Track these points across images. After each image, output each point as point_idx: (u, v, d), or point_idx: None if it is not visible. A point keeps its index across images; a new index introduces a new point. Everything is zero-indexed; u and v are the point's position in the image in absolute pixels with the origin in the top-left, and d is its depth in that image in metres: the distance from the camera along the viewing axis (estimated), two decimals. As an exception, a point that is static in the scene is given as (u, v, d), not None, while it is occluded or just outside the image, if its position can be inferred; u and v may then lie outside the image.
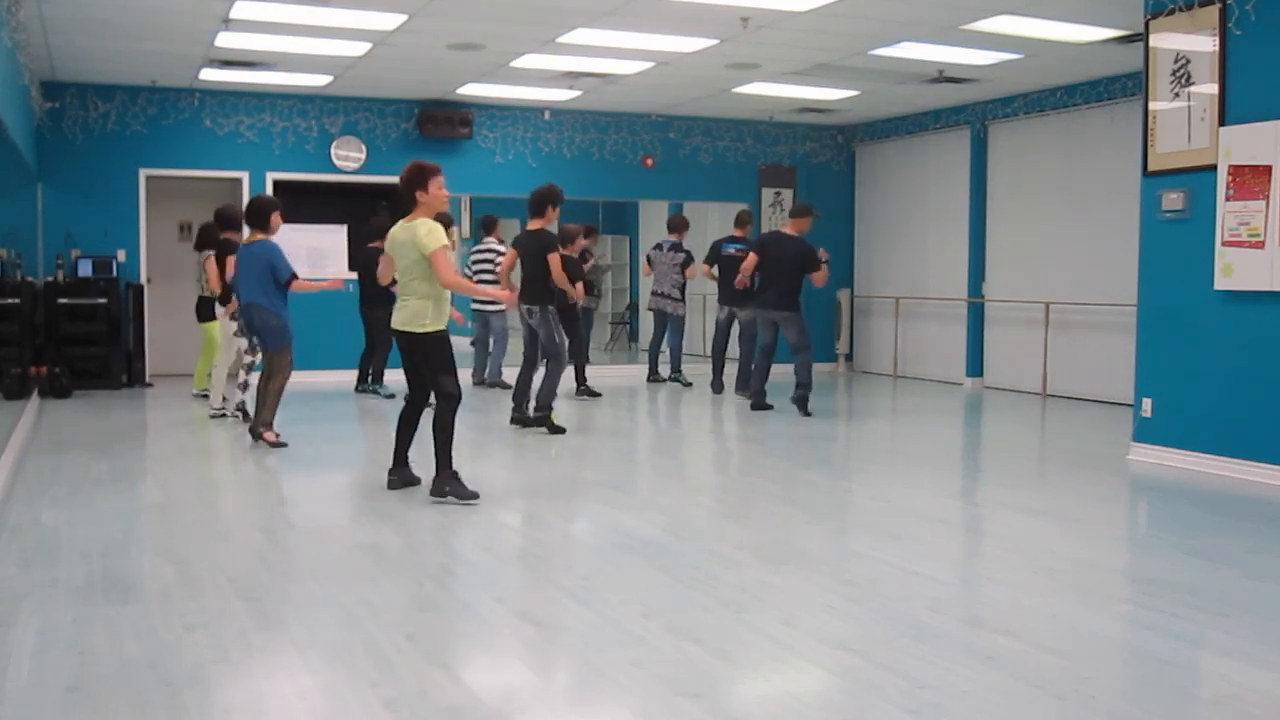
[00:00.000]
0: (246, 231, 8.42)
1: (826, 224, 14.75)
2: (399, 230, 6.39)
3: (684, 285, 12.29)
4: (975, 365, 13.34)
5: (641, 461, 8.50)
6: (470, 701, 3.48)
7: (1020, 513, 6.47)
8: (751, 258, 10.43)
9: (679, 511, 6.54)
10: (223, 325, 9.77)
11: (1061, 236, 12.16)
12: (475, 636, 4.22)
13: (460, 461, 6.55)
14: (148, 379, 12.31)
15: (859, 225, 15.15)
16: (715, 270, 11.75)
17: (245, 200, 12.60)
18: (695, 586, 4.74)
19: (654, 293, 12.36)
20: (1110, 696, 3.56)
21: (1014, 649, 3.95)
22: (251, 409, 8.87)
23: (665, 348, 12.69)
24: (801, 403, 10.07)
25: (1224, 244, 7.29)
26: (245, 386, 9.30)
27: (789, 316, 10.16)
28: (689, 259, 12.15)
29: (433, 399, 6.46)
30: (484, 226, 12.33)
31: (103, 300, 11.77)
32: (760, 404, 10.42)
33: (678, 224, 12.40)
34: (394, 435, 6.71)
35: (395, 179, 13.37)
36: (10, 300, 9.09)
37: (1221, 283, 7.34)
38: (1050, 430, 10.22)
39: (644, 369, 13.01)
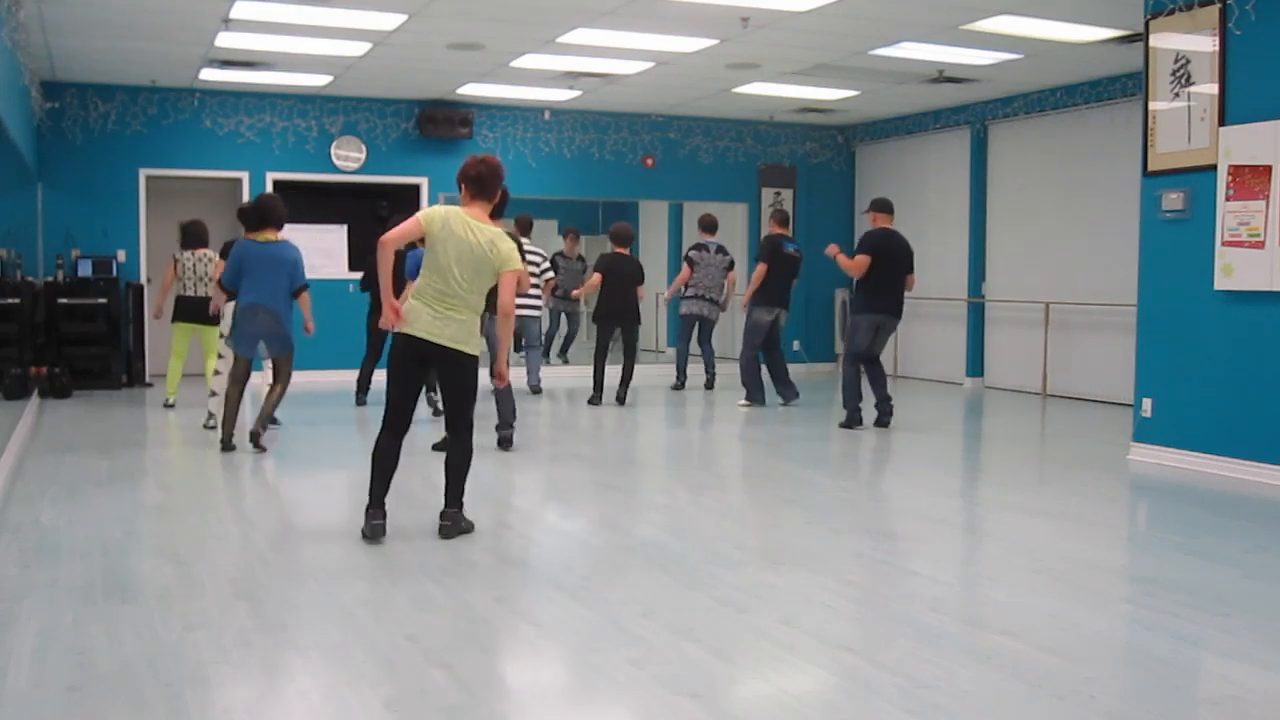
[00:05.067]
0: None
1: (826, 225, 14.80)
2: (473, 229, 5.32)
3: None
4: (975, 365, 13.34)
5: (641, 462, 8.50)
6: (470, 701, 3.48)
7: (1020, 513, 6.46)
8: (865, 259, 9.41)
9: (679, 511, 6.54)
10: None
11: (1061, 236, 12.16)
12: (475, 636, 4.22)
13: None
14: (148, 379, 12.32)
15: (859, 225, 15.11)
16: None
17: (244, 201, 12.68)
18: (695, 586, 4.74)
19: (701, 296, 11.68)
20: (1110, 696, 3.56)
21: (1014, 649, 3.94)
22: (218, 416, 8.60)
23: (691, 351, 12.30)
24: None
25: (1224, 244, 7.28)
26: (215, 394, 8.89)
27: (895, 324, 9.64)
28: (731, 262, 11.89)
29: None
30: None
31: (103, 300, 11.78)
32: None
33: (713, 224, 11.95)
34: (373, 469, 5.46)
35: (395, 179, 13.60)
36: (10, 300, 9.08)
37: (1221, 283, 7.34)
38: (1050, 430, 10.22)
39: (643, 369, 12.88)
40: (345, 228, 13.15)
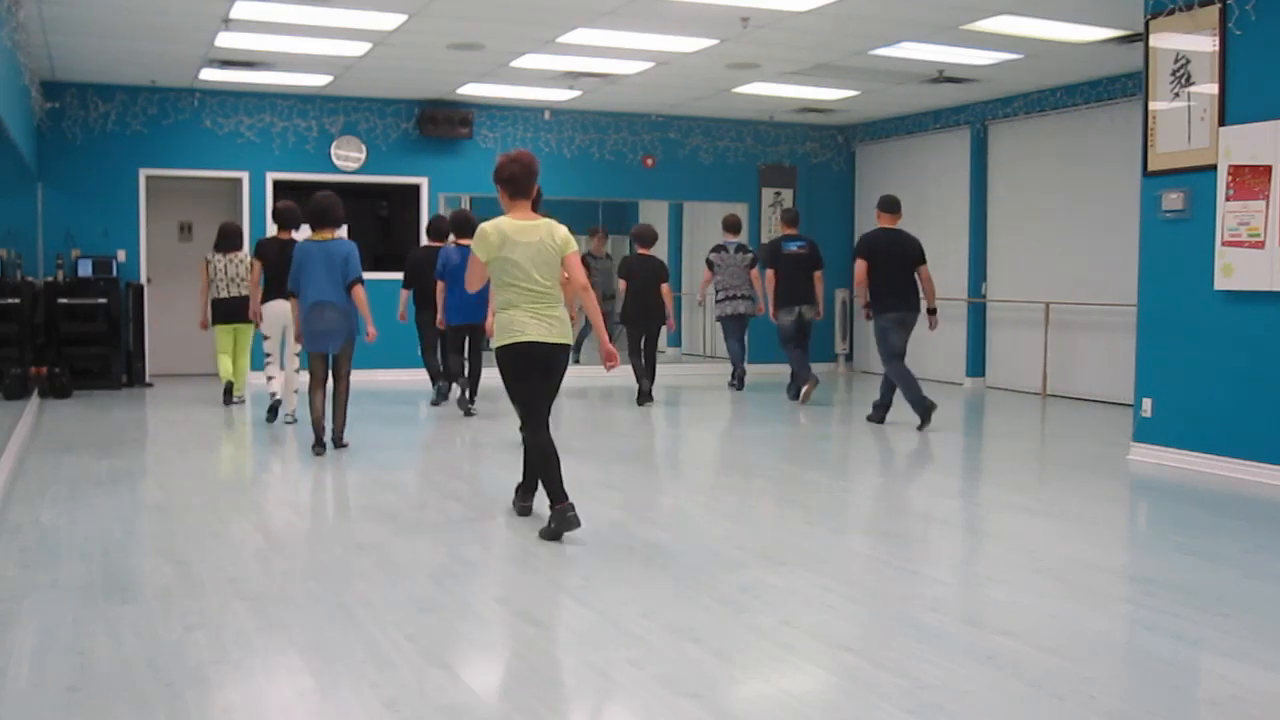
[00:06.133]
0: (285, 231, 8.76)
1: (826, 225, 14.79)
2: (526, 229, 5.49)
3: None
4: (975, 365, 13.33)
5: (642, 461, 8.49)
6: (470, 701, 3.48)
7: (1021, 513, 6.46)
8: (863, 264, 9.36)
9: (679, 511, 6.54)
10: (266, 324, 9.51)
11: (1061, 236, 12.16)
12: (475, 636, 4.22)
13: (460, 462, 6.54)
14: (148, 379, 12.31)
15: (859, 225, 15.13)
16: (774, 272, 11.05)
17: (245, 201, 12.71)
18: (695, 586, 4.74)
19: (732, 296, 11.75)
20: (1110, 696, 3.56)
21: (1014, 649, 3.94)
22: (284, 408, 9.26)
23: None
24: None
25: (1224, 244, 7.28)
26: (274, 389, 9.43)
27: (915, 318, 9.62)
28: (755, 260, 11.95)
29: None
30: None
31: (103, 300, 11.78)
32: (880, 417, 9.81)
33: (735, 224, 12.05)
34: (550, 468, 5.57)
35: (395, 179, 13.57)
36: (10, 300, 9.08)
37: (1221, 283, 7.34)
38: (1050, 430, 10.22)
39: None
40: (345, 228, 13.11)
